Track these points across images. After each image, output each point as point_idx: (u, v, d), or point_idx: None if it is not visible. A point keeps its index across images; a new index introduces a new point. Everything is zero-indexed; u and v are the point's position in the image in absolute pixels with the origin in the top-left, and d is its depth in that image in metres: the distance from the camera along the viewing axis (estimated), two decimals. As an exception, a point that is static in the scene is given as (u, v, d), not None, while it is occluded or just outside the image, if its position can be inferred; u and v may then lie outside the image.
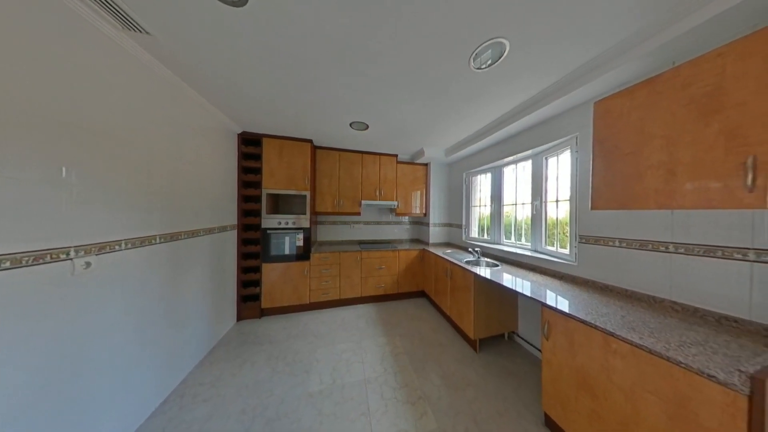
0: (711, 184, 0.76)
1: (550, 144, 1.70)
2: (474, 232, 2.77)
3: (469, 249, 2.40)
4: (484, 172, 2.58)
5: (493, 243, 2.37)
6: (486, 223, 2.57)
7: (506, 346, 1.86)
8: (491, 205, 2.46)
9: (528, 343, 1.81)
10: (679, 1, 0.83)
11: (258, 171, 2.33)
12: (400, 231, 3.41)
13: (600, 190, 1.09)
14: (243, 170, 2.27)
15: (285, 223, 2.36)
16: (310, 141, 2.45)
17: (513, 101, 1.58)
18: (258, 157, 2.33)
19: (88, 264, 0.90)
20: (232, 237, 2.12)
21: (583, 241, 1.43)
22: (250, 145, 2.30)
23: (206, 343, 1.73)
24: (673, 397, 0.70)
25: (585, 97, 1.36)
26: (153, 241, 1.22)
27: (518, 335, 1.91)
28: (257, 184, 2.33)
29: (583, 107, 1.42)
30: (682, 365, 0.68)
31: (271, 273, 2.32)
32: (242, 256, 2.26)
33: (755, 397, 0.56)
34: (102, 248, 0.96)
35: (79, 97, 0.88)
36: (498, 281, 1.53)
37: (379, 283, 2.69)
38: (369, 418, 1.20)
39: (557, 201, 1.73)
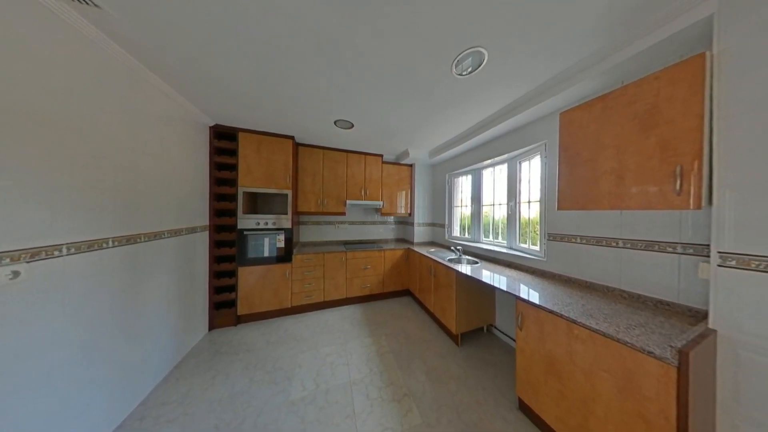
0: (650, 188, 0.89)
1: (523, 149, 1.85)
2: (456, 232, 2.89)
3: (452, 247, 2.50)
4: (466, 174, 2.71)
5: (474, 241, 2.50)
6: (467, 222, 2.70)
7: (485, 338, 1.97)
8: (472, 206, 2.59)
9: (504, 334, 1.94)
10: (624, 30, 0.96)
11: (233, 167, 2.17)
12: (385, 231, 3.42)
13: (564, 193, 1.21)
14: (216, 166, 2.09)
15: (264, 224, 2.23)
16: (292, 138, 2.35)
17: (491, 108, 1.68)
18: (233, 153, 2.17)
19: (15, 273, 0.76)
20: (203, 239, 1.95)
21: (551, 238, 1.57)
22: (224, 140, 2.13)
23: (172, 357, 1.56)
24: (622, 373, 0.80)
25: (552, 108, 1.50)
26: (104, 245, 1.07)
27: (496, 328, 2.04)
28: (232, 182, 2.17)
29: (550, 117, 1.56)
30: (629, 345, 0.78)
31: (248, 277, 2.17)
32: (215, 259, 2.08)
33: (682, 367, 0.67)
34: (35, 254, 0.81)
35: (9, 76, 0.74)
36: (478, 278, 1.61)
37: (364, 284, 2.68)
38: (354, 420, 1.19)
39: (529, 202, 1.88)
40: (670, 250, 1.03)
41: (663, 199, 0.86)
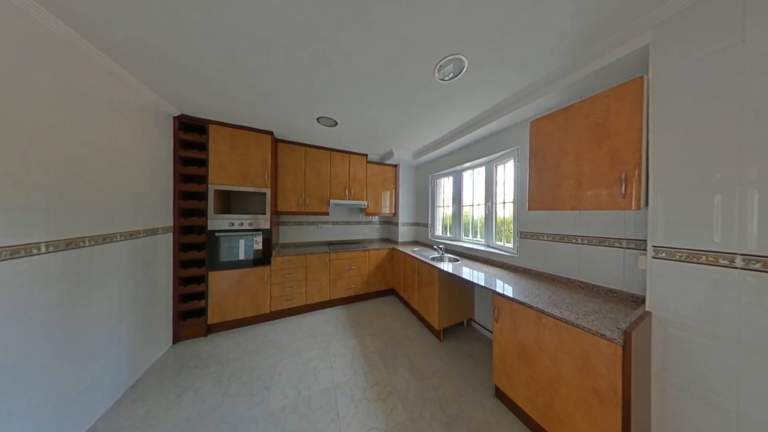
0: (602, 191, 1.02)
1: (499, 153, 1.98)
2: (438, 231, 2.99)
3: (434, 246, 2.59)
4: (447, 175, 2.82)
5: (455, 240, 2.61)
6: (449, 222, 2.81)
7: (465, 332, 2.08)
8: (453, 206, 2.71)
9: (483, 327, 2.07)
10: (582, 51, 1.08)
11: (202, 163, 1.98)
12: (370, 231, 3.41)
13: (533, 194, 1.33)
14: (182, 161, 1.89)
15: (239, 225, 2.07)
16: (271, 133, 2.22)
17: (470, 113, 1.77)
18: (202, 147, 1.98)
19: None
20: (165, 242, 1.75)
21: (523, 236, 1.71)
22: (192, 132, 1.94)
23: (126, 377, 1.38)
24: (580, 354, 0.90)
25: (524, 117, 1.64)
26: (34, 251, 0.90)
27: (475, 321, 2.16)
28: (201, 179, 1.98)
29: (522, 124, 1.70)
30: (586, 329, 0.88)
31: (220, 282, 2.00)
32: (181, 264, 1.88)
33: (626, 346, 0.78)
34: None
35: None
36: (459, 274, 1.69)
37: (349, 284, 2.64)
38: (339, 424, 1.16)
39: (504, 202, 2.02)
40: (617, 245, 1.19)
41: (612, 200, 0.99)
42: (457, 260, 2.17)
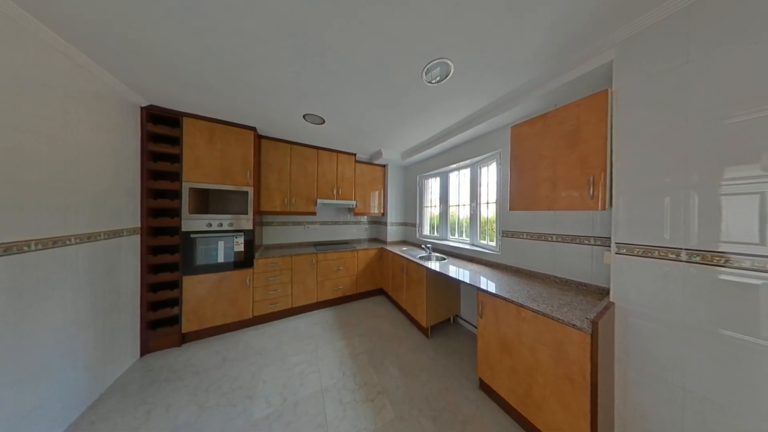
0: (573, 193, 1.11)
1: (483, 156, 2.07)
2: (426, 230, 3.05)
3: (422, 246, 2.64)
4: (435, 176, 2.88)
5: (442, 239, 2.68)
6: (436, 221, 2.88)
7: (452, 328, 2.14)
8: (440, 206, 2.78)
9: (468, 322, 2.15)
10: (556, 62, 1.16)
11: (176, 159, 1.83)
12: (358, 231, 3.39)
13: (514, 195, 1.40)
14: (151, 156, 1.74)
15: (218, 225, 1.95)
16: (254, 129, 2.11)
17: (456, 116, 1.83)
18: (176, 141, 1.84)
19: None
20: (131, 245, 1.59)
21: (505, 235, 1.80)
22: (163, 125, 1.79)
23: (83, 397, 1.23)
24: (555, 344, 0.98)
25: (506, 121, 1.72)
26: (-36, 257, 0.77)
27: (461, 317, 2.23)
28: (174, 176, 1.83)
29: (504, 129, 1.79)
30: (560, 321, 0.95)
31: (197, 287, 1.87)
32: (150, 268, 1.73)
33: (593, 334, 0.86)
34: None
35: None
36: (445, 273, 1.74)
37: (337, 285, 2.60)
38: (326, 428, 1.14)
39: (488, 203, 2.12)
40: (587, 242, 1.30)
41: (582, 201, 1.08)
42: (444, 259, 2.23)
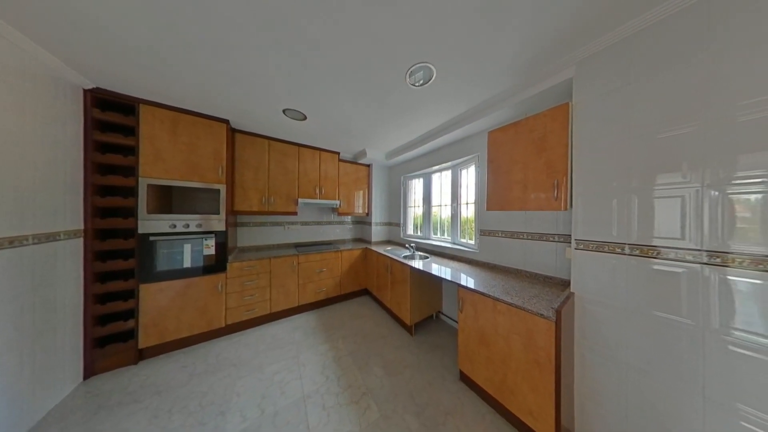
0: (541, 195, 1.22)
1: (463, 158, 2.18)
2: (410, 230, 3.11)
3: (406, 245, 2.68)
4: (418, 177, 2.95)
5: (425, 238, 2.76)
6: (420, 221, 2.95)
7: (434, 324, 2.22)
8: (423, 206, 2.85)
9: (450, 318, 2.24)
10: (526, 75, 1.27)
11: (129, 151, 1.61)
12: (342, 231, 3.32)
13: (491, 196, 1.50)
14: (98, 147, 1.51)
15: (184, 226, 1.76)
16: (226, 122, 1.95)
17: (438, 119, 1.89)
18: (130, 131, 1.61)
19: None
20: (71, 251, 1.36)
21: (482, 234, 1.92)
22: (113, 111, 1.56)
23: (5, 433, 1.02)
24: (526, 333, 1.07)
25: (483, 127, 1.83)
26: None
27: (443, 313, 2.32)
28: (128, 170, 1.62)
29: (482, 134, 1.90)
30: (530, 311, 1.04)
31: (157, 296, 1.66)
32: (96, 277, 1.50)
33: (557, 321, 0.95)
34: None
35: None
36: (428, 271, 1.79)
37: (319, 288, 2.52)
38: (308, 436, 1.10)
39: (467, 203, 2.23)
40: (552, 239, 1.44)
41: (548, 203, 1.19)
42: (427, 257, 2.29)
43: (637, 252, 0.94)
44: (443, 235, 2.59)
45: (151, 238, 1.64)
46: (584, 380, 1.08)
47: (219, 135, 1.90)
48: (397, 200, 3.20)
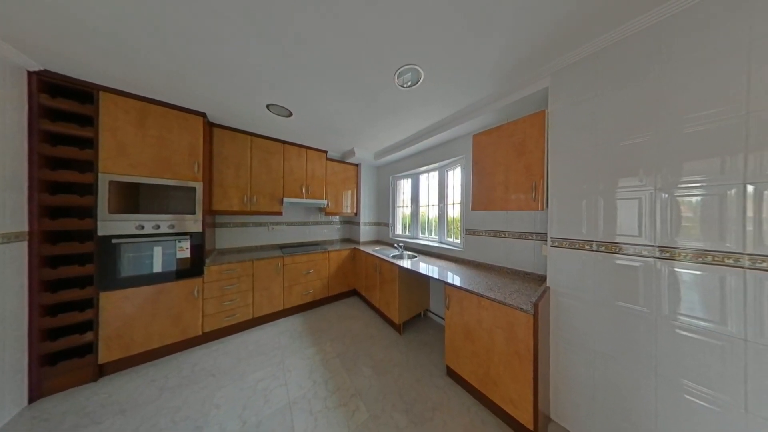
0: (521, 196, 1.30)
1: (449, 160, 2.24)
2: (399, 230, 3.13)
3: (395, 245, 2.70)
4: (406, 177, 2.99)
5: (413, 238, 2.80)
6: (408, 221, 2.99)
7: (422, 322, 2.26)
8: (411, 206, 2.89)
9: (437, 315, 2.30)
10: (507, 83, 1.35)
11: (86, 143, 1.45)
12: (330, 231, 3.26)
13: (475, 197, 1.56)
14: (46, 138, 1.33)
15: (155, 227, 1.61)
16: (203, 115, 1.82)
17: (426, 121, 1.93)
18: (88, 121, 1.45)
19: None
20: (12, 256, 1.19)
21: (467, 233, 1.99)
22: (66, 98, 1.39)
23: None
24: (508, 326, 1.13)
25: (469, 130, 1.90)
26: None
27: (431, 311, 2.37)
28: (86, 165, 1.45)
29: (467, 137, 1.97)
30: (511, 306, 1.10)
31: (122, 305, 1.51)
32: (45, 286, 1.32)
33: (536, 314, 1.02)
34: None
35: None
36: (416, 270, 1.82)
37: (306, 290, 2.45)
38: (295, 443, 1.07)
39: (453, 204, 2.31)
40: (530, 238, 1.54)
41: (527, 203, 1.27)
42: (416, 257, 2.33)
43: (603, 248, 1.04)
44: (431, 234, 2.65)
45: (114, 241, 1.48)
46: (558, 367, 1.17)
47: (195, 129, 1.77)
48: (386, 200, 3.21)
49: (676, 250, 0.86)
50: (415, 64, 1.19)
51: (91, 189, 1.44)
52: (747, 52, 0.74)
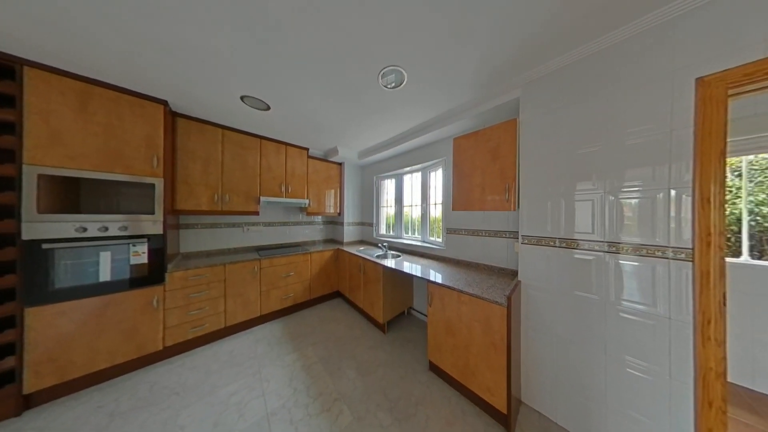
0: (496, 197, 1.39)
1: (431, 162, 2.32)
2: (383, 230, 3.15)
3: (379, 244, 2.71)
4: (390, 177, 3.01)
5: (397, 237, 2.83)
6: (392, 221, 3.01)
7: (406, 320, 2.30)
8: (395, 206, 2.93)
9: (420, 312, 2.35)
10: (485, 90, 1.44)
11: (8, 128, 1.20)
12: (312, 232, 3.15)
13: (456, 198, 1.64)
14: (-55, 118, 1.06)
15: (101, 230, 1.39)
16: (164, 103, 1.62)
17: (410, 123, 1.97)
18: (8, 102, 1.20)
19: None
20: None
21: (448, 232, 2.08)
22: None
23: None
24: (484, 319, 1.20)
25: (450, 133, 1.99)
26: None
27: (414, 309, 2.42)
28: (6, 155, 1.20)
29: (448, 139, 2.06)
30: (487, 300, 1.18)
31: (56, 322, 1.28)
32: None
33: (509, 306, 1.10)
34: None
35: None
36: (400, 269, 1.85)
37: (286, 294, 2.33)
38: (273, 456, 1.00)
39: (436, 204, 2.39)
40: (504, 236, 1.66)
41: (501, 204, 1.37)
42: (399, 256, 2.36)
43: (564, 244, 1.16)
44: (414, 233, 2.71)
45: (45, 246, 1.24)
46: (528, 354, 1.28)
47: (153, 118, 1.56)
48: (370, 200, 3.19)
49: (620, 245, 1.00)
50: (399, 66, 1.20)
51: (12, 184, 1.19)
52: (671, 80, 0.89)
